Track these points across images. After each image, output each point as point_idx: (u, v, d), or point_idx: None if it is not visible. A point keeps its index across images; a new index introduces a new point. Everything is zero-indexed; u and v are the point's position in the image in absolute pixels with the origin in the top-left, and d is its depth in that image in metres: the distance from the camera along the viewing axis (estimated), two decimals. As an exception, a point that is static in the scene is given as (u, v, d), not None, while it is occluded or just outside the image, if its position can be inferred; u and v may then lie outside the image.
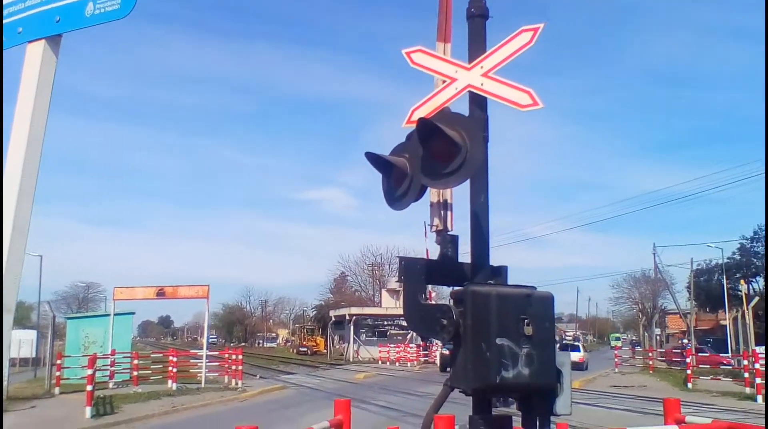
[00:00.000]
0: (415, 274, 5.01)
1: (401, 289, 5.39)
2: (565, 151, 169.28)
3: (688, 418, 5.03)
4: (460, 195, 5.25)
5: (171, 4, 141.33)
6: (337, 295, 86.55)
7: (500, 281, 5.26)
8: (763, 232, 67.77)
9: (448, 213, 5.41)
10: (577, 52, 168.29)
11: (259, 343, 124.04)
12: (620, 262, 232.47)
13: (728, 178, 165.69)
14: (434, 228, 5.40)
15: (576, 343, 57.42)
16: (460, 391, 4.82)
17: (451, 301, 4.91)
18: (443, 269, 5.29)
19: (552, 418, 5.27)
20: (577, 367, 45.93)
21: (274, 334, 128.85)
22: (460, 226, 5.32)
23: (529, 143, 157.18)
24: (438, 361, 44.59)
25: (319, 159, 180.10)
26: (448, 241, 5.34)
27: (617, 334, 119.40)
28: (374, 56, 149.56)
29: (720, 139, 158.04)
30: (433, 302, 5.26)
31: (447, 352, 36.29)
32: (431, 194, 5.34)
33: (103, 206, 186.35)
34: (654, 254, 68.08)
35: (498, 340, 4.57)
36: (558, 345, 43.13)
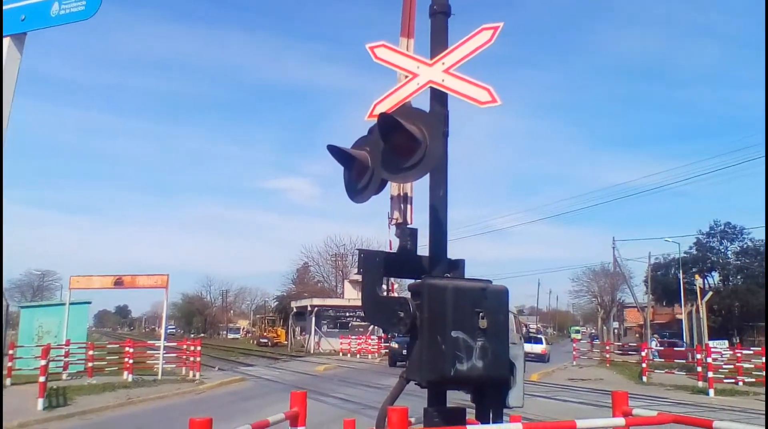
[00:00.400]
0: (374, 266, 5.06)
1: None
2: (531, 144, 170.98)
3: (635, 411, 5.16)
4: (420, 188, 5.31)
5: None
6: (299, 285, 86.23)
7: (457, 274, 5.34)
8: (719, 228, 69.14)
9: (408, 206, 5.47)
10: (546, 45, 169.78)
11: (220, 334, 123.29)
12: (581, 256, 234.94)
13: (689, 173, 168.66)
14: (394, 221, 5.45)
15: (539, 336, 58.29)
16: (415, 384, 4.89)
17: (409, 293, 4.99)
18: (402, 262, 5.35)
19: (506, 411, 5.38)
20: (540, 358, 46.80)
21: (238, 325, 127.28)
22: (422, 218, 5.39)
23: (495, 135, 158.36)
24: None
25: (284, 148, 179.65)
26: (407, 234, 5.41)
27: (577, 327, 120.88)
28: (341, 45, 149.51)
29: (683, 134, 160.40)
30: (394, 295, 5.32)
31: (396, 346, 35.13)
32: (392, 187, 5.40)
33: (61, 192, 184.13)
34: (613, 248, 69.01)
35: (453, 333, 4.66)
36: (523, 338, 42.67)
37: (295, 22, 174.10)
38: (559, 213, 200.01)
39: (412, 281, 5.09)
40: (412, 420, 5.37)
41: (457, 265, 5.44)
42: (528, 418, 10.99)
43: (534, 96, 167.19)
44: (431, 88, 5.26)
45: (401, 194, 5.42)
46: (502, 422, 5.11)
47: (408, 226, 5.43)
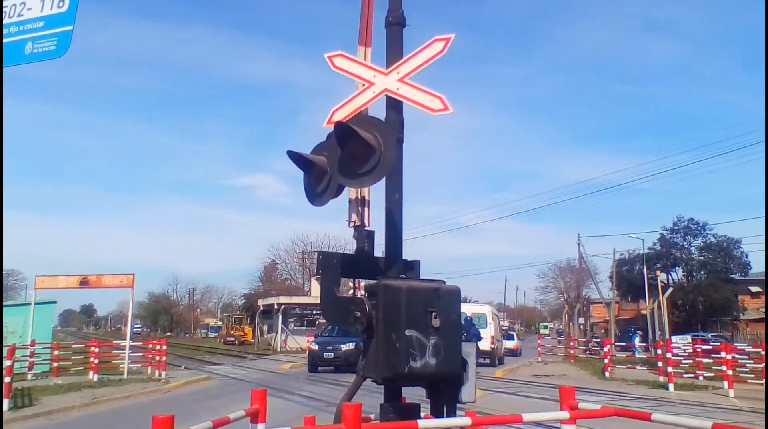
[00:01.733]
0: (332, 267, 5.27)
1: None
2: (498, 140, 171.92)
3: (580, 405, 5.39)
4: (378, 191, 5.52)
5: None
6: (266, 283, 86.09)
7: (413, 275, 5.56)
8: (683, 224, 70.07)
9: (365, 209, 5.67)
10: (509, 41, 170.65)
11: (191, 333, 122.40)
12: (547, 252, 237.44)
13: (652, 169, 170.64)
14: (352, 223, 5.65)
15: (511, 332, 59.41)
16: (372, 380, 5.10)
17: (365, 293, 5.19)
18: (359, 263, 5.56)
19: (462, 406, 5.61)
20: (512, 353, 47.58)
21: (215, 322, 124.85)
22: (381, 219, 5.59)
23: (462, 132, 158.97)
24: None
25: (252, 145, 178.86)
26: (365, 236, 5.62)
27: (545, 324, 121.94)
28: (312, 42, 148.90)
29: (646, 131, 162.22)
30: (360, 292, 5.52)
31: (316, 348, 31.25)
32: (350, 191, 5.60)
33: (25, 190, 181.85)
34: (579, 244, 69.62)
35: (407, 332, 4.87)
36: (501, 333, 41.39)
37: (265, 18, 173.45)
38: (526, 210, 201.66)
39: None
40: (372, 416, 5.58)
41: (413, 266, 5.66)
42: (485, 413, 11.24)
43: (497, 93, 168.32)
44: (387, 96, 5.47)
45: (359, 198, 5.62)
46: (455, 417, 5.33)
47: (365, 228, 5.64)
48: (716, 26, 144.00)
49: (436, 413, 5.30)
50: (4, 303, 38.10)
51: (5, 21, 4.35)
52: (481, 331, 33.26)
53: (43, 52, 4.27)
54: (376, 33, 5.80)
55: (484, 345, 33.66)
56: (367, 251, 5.59)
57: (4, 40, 4.43)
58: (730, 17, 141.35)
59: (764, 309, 74.71)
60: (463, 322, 34.29)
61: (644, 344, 40.78)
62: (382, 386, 5.21)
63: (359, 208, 5.66)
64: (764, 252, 65.73)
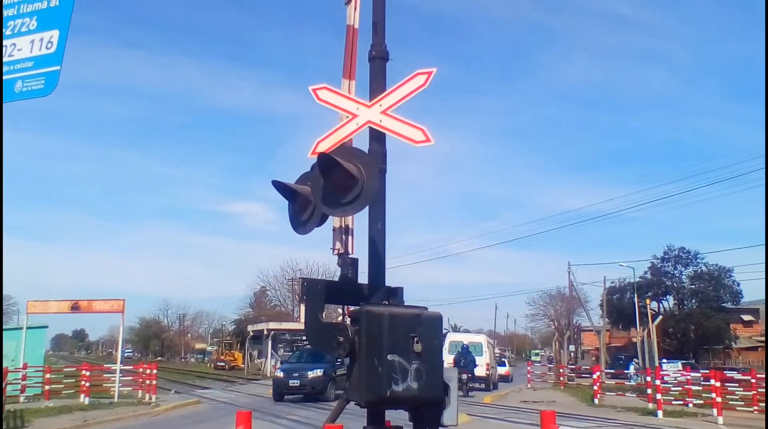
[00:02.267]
0: (316, 294, 5.40)
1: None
2: (486, 169, 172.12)
3: (562, 428, 5.53)
4: (361, 221, 5.67)
5: (93, 15, 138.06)
6: (256, 309, 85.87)
7: (396, 301, 5.69)
8: (674, 253, 70.27)
9: (349, 238, 5.82)
10: (498, 71, 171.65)
11: (183, 358, 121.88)
12: (537, 280, 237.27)
13: (642, 198, 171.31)
14: (336, 251, 5.79)
15: (503, 359, 59.68)
16: (355, 404, 5.23)
17: (348, 319, 5.33)
18: (343, 290, 5.69)
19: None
20: (504, 379, 48.17)
21: (206, 347, 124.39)
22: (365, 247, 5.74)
23: (449, 160, 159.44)
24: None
25: (240, 173, 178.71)
26: (348, 264, 5.75)
27: (537, 351, 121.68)
28: (298, 71, 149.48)
29: (635, 160, 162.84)
30: (336, 321, 5.65)
31: (281, 375, 28.90)
32: (334, 220, 5.74)
33: (18, 217, 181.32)
34: (569, 272, 69.69)
35: (389, 357, 5.00)
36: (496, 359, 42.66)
37: (252, 49, 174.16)
38: (515, 238, 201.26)
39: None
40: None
41: (396, 293, 5.79)
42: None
43: (483, 122, 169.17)
44: (370, 127, 5.64)
45: (342, 226, 5.77)
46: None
47: (349, 256, 5.79)
48: (704, 56, 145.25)
49: None
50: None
51: None
52: (477, 358, 36.07)
53: (32, 90, 4.49)
54: (360, 66, 5.98)
55: (480, 371, 36.79)
56: (351, 278, 5.72)
57: None
58: (719, 48, 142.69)
59: (759, 337, 75.09)
60: (460, 350, 35.10)
61: (639, 371, 40.98)
62: (366, 410, 5.34)
63: (343, 237, 5.80)
64: (764, 272, 65.97)
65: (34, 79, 4.49)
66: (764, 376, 23.72)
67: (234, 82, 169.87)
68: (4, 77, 4.62)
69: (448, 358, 35.90)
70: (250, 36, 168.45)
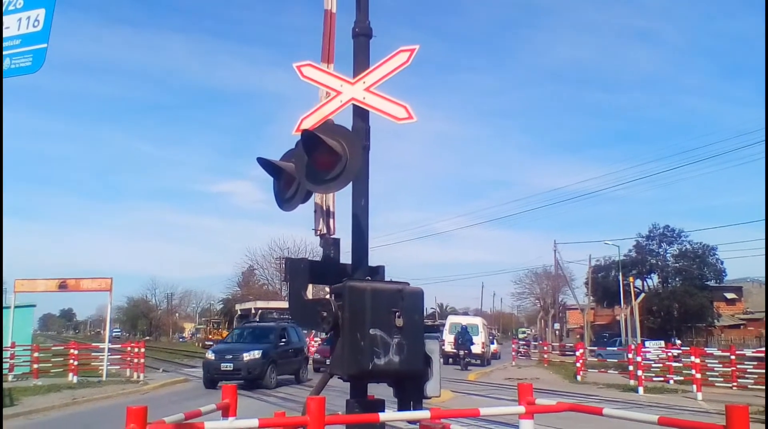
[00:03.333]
0: (299, 272, 5.52)
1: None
2: (473, 148, 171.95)
3: (537, 401, 5.65)
4: (344, 198, 5.75)
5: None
6: (244, 288, 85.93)
7: (377, 279, 5.80)
8: (658, 231, 70.69)
9: (331, 219, 5.92)
10: (485, 49, 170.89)
11: (169, 337, 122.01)
12: (523, 258, 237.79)
13: (627, 176, 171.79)
14: (318, 232, 5.89)
15: (491, 337, 60.50)
16: (338, 377, 5.35)
17: (332, 295, 5.43)
18: (326, 269, 5.79)
19: (429, 402, 5.85)
20: (494, 356, 50.23)
21: (194, 326, 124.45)
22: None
23: (436, 139, 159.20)
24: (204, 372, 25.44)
25: (227, 152, 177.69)
26: (330, 244, 5.86)
27: (524, 329, 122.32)
28: (282, 49, 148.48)
29: (623, 139, 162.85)
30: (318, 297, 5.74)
31: (212, 357, 24.85)
32: (315, 198, 5.82)
33: (5, 196, 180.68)
34: (555, 250, 70.04)
35: (371, 331, 5.12)
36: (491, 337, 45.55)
37: (238, 26, 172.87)
38: (502, 216, 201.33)
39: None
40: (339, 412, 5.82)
41: (377, 271, 5.90)
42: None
43: (471, 101, 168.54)
44: (353, 104, 5.72)
45: (324, 208, 5.86)
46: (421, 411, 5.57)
47: (331, 236, 5.88)
48: (693, 34, 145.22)
49: (403, 408, 5.55)
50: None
51: None
52: (474, 338, 40.50)
53: (20, 67, 4.58)
54: (343, 43, 6.05)
55: (476, 349, 40.77)
56: (333, 258, 5.82)
57: None
58: (707, 26, 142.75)
59: (741, 315, 75.89)
60: (460, 330, 38.57)
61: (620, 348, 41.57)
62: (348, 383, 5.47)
63: (324, 218, 5.89)
64: (702, 255, 66.45)
65: (21, 57, 4.59)
66: (764, 353, 24.07)
67: (222, 59, 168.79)
68: None
69: (449, 338, 41.35)
70: (238, 13, 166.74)
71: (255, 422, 4.62)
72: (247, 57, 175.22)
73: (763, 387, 20.92)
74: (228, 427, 5.34)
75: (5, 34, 4.63)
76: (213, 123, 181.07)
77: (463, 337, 38.63)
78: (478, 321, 47.26)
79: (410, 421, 5.60)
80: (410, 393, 5.59)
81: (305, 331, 30.69)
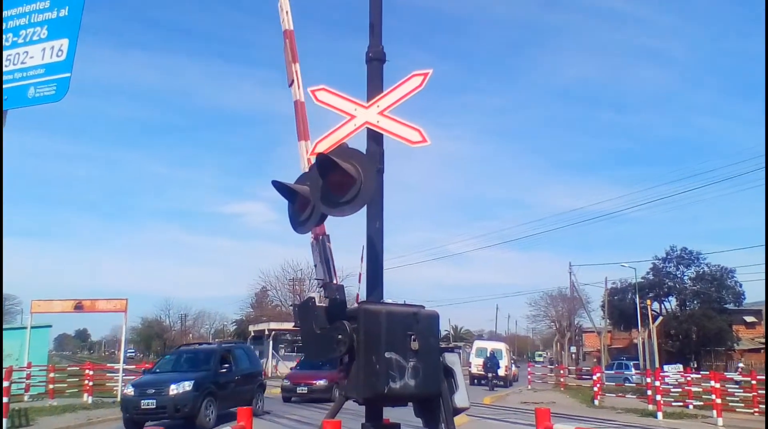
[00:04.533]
0: (309, 311, 5.50)
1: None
2: (482, 169, 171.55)
3: (556, 426, 5.60)
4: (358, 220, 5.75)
5: (92, 15, 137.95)
6: (257, 309, 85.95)
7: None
8: (676, 253, 70.13)
9: (332, 267, 5.96)
10: (496, 70, 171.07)
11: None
12: (538, 280, 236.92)
13: (642, 198, 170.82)
14: (320, 283, 5.90)
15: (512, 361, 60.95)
16: (353, 401, 5.32)
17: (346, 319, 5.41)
18: (333, 310, 5.76)
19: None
20: (513, 379, 51.35)
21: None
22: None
23: (449, 160, 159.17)
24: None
25: (240, 173, 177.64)
26: (335, 290, 5.84)
27: (540, 352, 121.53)
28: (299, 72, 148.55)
29: (635, 159, 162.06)
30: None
31: (131, 393, 18.94)
32: (312, 256, 5.89)
33: (20, 217, 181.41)
34: (570, 273, 69.67)
35: (387, 354, 5.09)
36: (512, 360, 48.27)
37: (247, 49, 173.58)
38: (516, 238, 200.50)
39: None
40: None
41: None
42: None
43: (481, 121, 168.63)
44: (367, 128, 5.74)
45: (323, 258, 5.91)
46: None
47: (334, 283, 5.89)
48: (705, 54, 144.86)
49: (431, 426, 5.49)
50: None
51: (10, 68, 4.73)
52: (499, 361, 44.30)
53: (44, 96, 4.69)
54: (357, 67, 6.07)
55: (501, 372, 44.42)
56: (340, 301, 5.79)
57: (9, 85, 4.84)
58: (719, 45, 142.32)
59: (761, 338, 74.97)
60: (488, 356, 43.03)
61: (637, 372, 41.20)
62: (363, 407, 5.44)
63: (324, 268, 5.94)
64: (765, 274, 65.74)
65: (46, 86, 4.74)
66: (765, 377, 23.77)
67: (234, 82, 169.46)
68: (17, 83, 4.82)
69: (476, 361, 45.97)
70: (249, 36, 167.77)
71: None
72: (257, 79, 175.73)
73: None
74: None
75: (30, 63, 4.76)
76: (225, 144, 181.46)
77: (491, 361, 43.27)
78: (502, 346, 51.40)
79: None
80: (438, 411, 5.53)
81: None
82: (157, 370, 21.72)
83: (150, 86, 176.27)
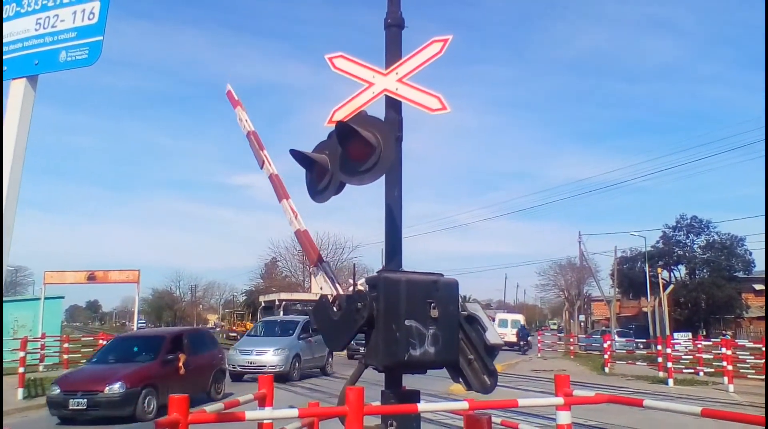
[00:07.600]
0: (325, 306, 5.52)
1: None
2: (494, 139, 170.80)
3: (575, 392, 5.61)
4: (377, 188, 5.71)
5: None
6: (267, 280, 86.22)
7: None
8: (685, 222, 69.97)
9: (336, 283, 5.95)
10: (505, 41, 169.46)
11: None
12: (547, 250, 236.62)
13: (652, 167, 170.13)
14: (331, 297, 5.88)
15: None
16: (373, 368, 5.33)
17: (366, 286, 5.41)
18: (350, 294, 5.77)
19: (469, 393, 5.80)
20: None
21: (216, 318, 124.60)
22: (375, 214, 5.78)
23: (458, 131, 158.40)
24: None
25: (246, 143, 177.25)
26: (344, 299, 5.83)
27: (554, 321, 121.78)
28: (306, 42, 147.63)
29: (644, 129, 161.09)
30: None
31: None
32: (315, 283, 5.88)
33: (31, 189, 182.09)
34: (579, 242, 69.61)
35: (407, 322, 5.09)
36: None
37: (255, 19, 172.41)
38: (525, 208, 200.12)
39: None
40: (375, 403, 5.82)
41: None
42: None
43: (490, 92, 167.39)
44: (386, 96, 5.69)
45: (326, 280, 5.91)
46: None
47: (342, 294, 5.88)
48: (714, 23, 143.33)
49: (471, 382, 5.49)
50: (14, 298, 38.37)
51: (40, 32, 4.70)
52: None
53: (76, 60, 4.63)
54: (375, 33, 6.01)
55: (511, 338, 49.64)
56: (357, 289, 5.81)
57: (40, 49, 4.80)
58: (728, 15, 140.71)
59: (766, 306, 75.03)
60: (520, 327, 50.57)
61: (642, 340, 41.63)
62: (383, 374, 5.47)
63: (331, 286, 5.93)
64: (765, 248, 65.71)
65: (78, 49, 4.67)
66: (764, 349, 23.80)
67: (241, 52, 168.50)
68: (48, 47, 4.80)
69: (500, 330, 47.16)
70: (256, 4, 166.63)
71: (295, 412, 4.62)
72: (264, 50, 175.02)
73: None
74: (268, 416, 5.34)
75: (61, 26, 4.71)
76: (232, 116, 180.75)
77: (523, 331, 51.59)
78: (520, 317, 61.00)
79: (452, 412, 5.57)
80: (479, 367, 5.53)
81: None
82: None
83: (152, 57, 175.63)
